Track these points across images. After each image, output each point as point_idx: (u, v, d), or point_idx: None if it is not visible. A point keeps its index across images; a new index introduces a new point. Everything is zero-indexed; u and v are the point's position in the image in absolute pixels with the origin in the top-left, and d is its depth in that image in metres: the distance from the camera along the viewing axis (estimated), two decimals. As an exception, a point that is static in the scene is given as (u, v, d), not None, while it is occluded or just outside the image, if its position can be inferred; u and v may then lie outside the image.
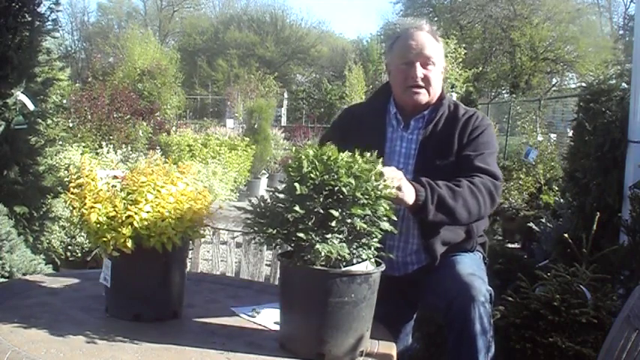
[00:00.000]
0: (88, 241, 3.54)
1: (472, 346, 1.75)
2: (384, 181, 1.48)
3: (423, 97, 2.05)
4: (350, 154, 1.48)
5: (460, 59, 15.04)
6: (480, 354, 1.75)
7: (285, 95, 26.57)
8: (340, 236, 1.43)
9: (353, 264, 1.45)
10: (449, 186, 1.84)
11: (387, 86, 2.19)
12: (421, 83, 2.03)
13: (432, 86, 2.05)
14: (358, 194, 1.41)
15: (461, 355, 1.78)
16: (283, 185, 1.47)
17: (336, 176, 1.41)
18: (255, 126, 12.18)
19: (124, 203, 1.59)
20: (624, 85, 3.31)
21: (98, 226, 1.57)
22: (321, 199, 1.40)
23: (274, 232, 1.46)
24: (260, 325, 1.68)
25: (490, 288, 1.85)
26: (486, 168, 1.95)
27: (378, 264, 1.52)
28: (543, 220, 4.08)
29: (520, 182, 6.76)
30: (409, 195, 1.75)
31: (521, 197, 6.42)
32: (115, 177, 1.73)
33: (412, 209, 1.80)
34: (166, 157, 8.04)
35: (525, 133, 8.53)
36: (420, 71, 2.03)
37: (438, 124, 2.06)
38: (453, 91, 12.46)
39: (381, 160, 1.51)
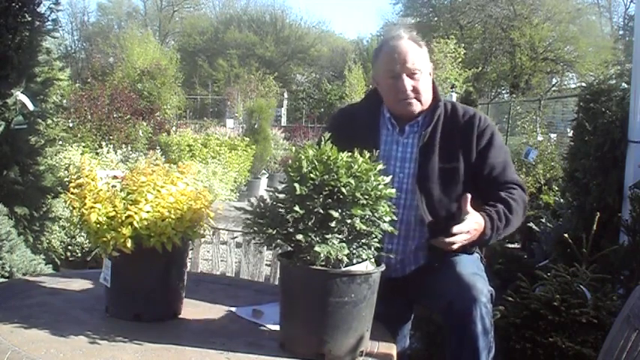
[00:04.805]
0: (88, 241, 3.55)
1: (474, 346, 1.75)
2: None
3: (416, 107, 2.05)
4: (350, 154, 1.47)
5: (460, 59, 15.02)
6: (481, 354, 1.75)
7: (285, 95, 26.57)
8: (340, 236, 1.43)
9: (353, 264, 1.45)
10: (506, 213, 1.94)
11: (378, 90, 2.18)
12: (411, 95, 2.02)
13: (423, 95, 2.04)
14: (358, 194, 1.41)
15: (462, 355, 1.78)
16: (283, 185, 1.47)
17: (335, 176, 1.41)
18: (255, 126, 12.18)
19: (124, 203, 1.60)
20: (624, 85, 3.31)
21: (98, 226, 1.57)
22: (321, 200, 1.40)
23: (274, 232, 1.46)
24: (260, 325, 1.68)
25: (491, 288, 1.85)
26: (517, 181, 2.04)
27: (377, 264, 1.52)
28: (543, 220, 4.08)
29: (520, 182, 6.75)
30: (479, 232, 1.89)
31: (521, 197, 6.40)
32: (115, 177, 1.73)
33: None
34: (166, 157, 8.04)
35: (525, 133, 8.51)
36: (408, 83, 2.01)
37: (437, 128, 2.05)
38: (453, 91, 12.45)
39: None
